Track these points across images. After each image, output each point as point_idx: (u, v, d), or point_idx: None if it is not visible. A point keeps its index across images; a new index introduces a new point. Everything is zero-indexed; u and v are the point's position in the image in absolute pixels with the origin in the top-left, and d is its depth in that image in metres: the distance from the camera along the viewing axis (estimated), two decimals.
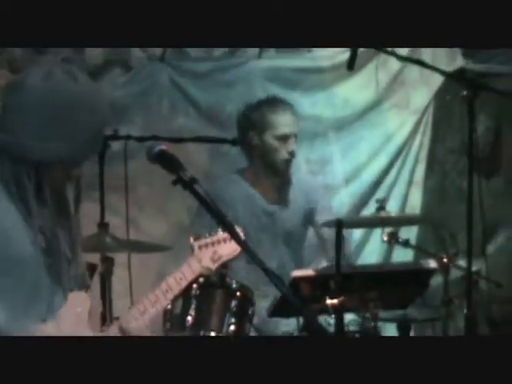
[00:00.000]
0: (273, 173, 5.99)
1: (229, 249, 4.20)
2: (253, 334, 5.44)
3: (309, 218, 6.12)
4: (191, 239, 4.19)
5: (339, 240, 5.18)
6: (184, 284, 4.07)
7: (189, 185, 3.58)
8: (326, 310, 4.96)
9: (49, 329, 3.73)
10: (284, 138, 5.88)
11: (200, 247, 4.18)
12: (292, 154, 5.91)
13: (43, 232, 3.73)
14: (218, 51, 6.63)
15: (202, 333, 5.19)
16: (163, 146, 3.75)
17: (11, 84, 3.90)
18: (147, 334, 4.07)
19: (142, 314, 3.94)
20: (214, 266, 4.19)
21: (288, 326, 5.48)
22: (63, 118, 3.63)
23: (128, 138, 5.44)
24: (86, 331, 3.84)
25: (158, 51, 6.49)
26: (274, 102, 5.97)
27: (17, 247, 3.66)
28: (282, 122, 5.90)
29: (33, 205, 3.73)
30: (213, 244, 4.21)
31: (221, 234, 4.18)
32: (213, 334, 5.21)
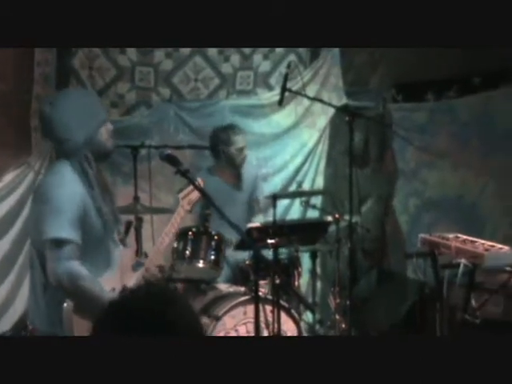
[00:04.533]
0: (233, 168, 5.99)
1: (195, 196, 4.06)
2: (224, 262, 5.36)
3: (252, 194, 6.11)
4: (178, 195, 4.14)
5: (275, 205, 5.33)
6: (176, 225, 4.06)
7: (184, 173, 3.77)
8: (267, 246, 5.06)
9: (110, 275, 3.77)
10: (240, 150, 5.93)
11: (182, 198, 4.07)
12: (244, 159, 5.96)
13: (99, 206, 3.68)
14: (203, 95, 6.58)
15: (194, 261, 5.18)
16: (169, 151, 3.93)
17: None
18: (162, 259, 4.11)
19: (159, 244, 4.00)
20: (189, 208, 4.09)
21: (244, 255, 5.46)
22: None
23: (150, 146, 5.53)
24: (131, 274, 3.88)
25: (167, 96, 6.41)
26: (233, 128, 5.97)
27: (91, 217, 3.65)
28: (239, 140, 5.91)
29: (94, 186, 3.67)
30: (187, 194, 4.07)
31: (190, 188, 4.04)
32: (201, 261, 5.18)
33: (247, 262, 5.43)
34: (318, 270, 6.33)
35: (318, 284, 6.39)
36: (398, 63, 6.77)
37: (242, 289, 5.26)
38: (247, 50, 6.59)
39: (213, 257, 5.24)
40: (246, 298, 5.02)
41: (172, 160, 3.82)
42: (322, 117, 6.93)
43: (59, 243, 3.52)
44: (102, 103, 4.18)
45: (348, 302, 5.53)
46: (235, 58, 6.58)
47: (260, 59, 6.67)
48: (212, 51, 6.48)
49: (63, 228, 3.51)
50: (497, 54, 6.34)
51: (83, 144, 3.66)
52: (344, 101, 6.83)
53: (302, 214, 6.78)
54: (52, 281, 3.55)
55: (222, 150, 5.92)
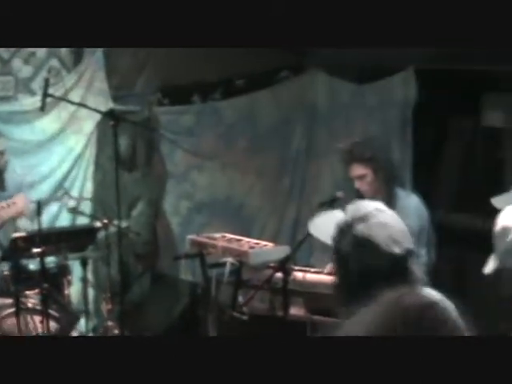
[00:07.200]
0: None
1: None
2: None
3: None
4: None
5: (39, 213, 5.20)
6: None
7: None
8: (31, 256, 4.93)
9: None
10: (0, 154, 5.68)
11: None
12: (6, 163, 5.71)
13: None
14: None
15: None
16: None
17: None
18: None
19: None
20: None
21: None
22: None
23: None
24: None
25: None
26: None
27: None
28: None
29: None
30: None
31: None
32: None
33: (5, 273, 5.27)
34: (90, 277, 6.26)
35: (91, 291, 6.32)
36: (163, 66, 6.82)
37: (10, 301, 5.10)
38: (6, 55, 6.37)
39: None
40: (13, 310, 4.86)
41: None
42: (89, 121, 6.79)
43: None
44: None
45: (120, 308, 5.54)
46: None
47: (20, 64, 6.47)
48: None
49: None
50: (260, 55, 6.58)
51: None
52: (110, 105, 6.75)
53: (73, 221, 6.62)
54: None
55: None
